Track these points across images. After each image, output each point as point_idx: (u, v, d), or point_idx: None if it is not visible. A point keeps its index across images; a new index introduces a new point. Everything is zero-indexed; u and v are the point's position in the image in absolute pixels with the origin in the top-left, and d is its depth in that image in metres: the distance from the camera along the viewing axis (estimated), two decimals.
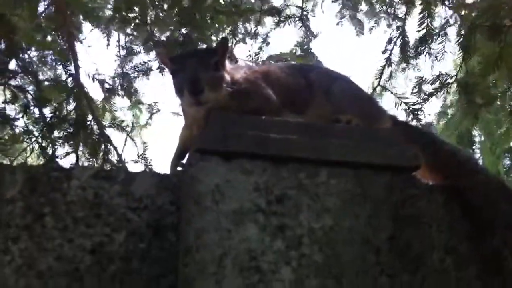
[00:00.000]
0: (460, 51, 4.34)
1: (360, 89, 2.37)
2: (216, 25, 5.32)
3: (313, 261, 1.70)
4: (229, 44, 2.21)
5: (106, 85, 5.54)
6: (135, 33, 5.69)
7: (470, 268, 1.97)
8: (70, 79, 5.18)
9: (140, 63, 5.56)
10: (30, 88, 5.19)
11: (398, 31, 4.93)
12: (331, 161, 1.82)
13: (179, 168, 2.11)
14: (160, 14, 5.35)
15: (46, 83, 5.31)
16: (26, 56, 5.38)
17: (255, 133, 1.80)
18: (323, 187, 1.79)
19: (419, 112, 4.28)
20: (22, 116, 4.96)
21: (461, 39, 4.32)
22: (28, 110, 5.02)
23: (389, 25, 5.74)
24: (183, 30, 5.04)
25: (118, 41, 5.90)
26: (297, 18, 5.00)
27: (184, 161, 2.11)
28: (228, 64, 2.17)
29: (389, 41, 4.90)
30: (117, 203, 1.81)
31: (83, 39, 5.78)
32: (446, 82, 4.44)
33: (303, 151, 1.81)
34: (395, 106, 4.37)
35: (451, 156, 2.12)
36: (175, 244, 1.80)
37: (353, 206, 1.79)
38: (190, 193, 1.71)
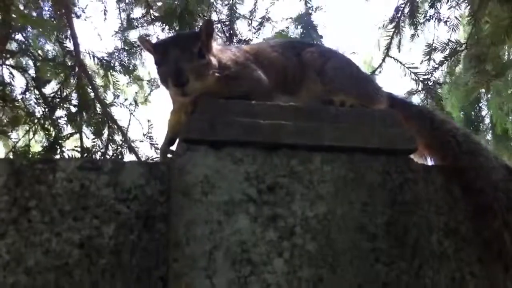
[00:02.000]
0: (471, 17, 4.17)
1: (355, 67, 2.27)
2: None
3: (306, 251, 1.66)
4: (213, 26, 2.07)
5: (105, 62, 5.39)
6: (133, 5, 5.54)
7: (470, 250, 1.93)
8: (69, 56, 5.07)
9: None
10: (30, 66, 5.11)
11: None
12: (324, 146, 1.76)
13: (169, 156, 2.05)
14: None
15: (44, 62, 5.18)
16: (24, 35, 5.28)
17: (244, 119, 1.73)
18: (317, 174, 1.73)
19: (429, 82, 4.13)
20: (22, 98, 4.86)
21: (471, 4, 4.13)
22: (28, 90, 4.92)
23: None
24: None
25: (119, 8, 5.72)
26: None
27: (174, 147, 2.04)
28: (215, 46, 2.08)
29: (397, 9, 4.71)
30: (105, 194, 1.76)
31: (80, 15, 5.61)
32: (456, 50, 4.28)
33: (295, 137, 1.74)
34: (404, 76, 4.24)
35: (451, 136, 2.04)
36: (166, 235, 1.75)
37: (347, 192, 1.74)
38: (178, 185, 1.65)
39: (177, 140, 1.94)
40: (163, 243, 1.74)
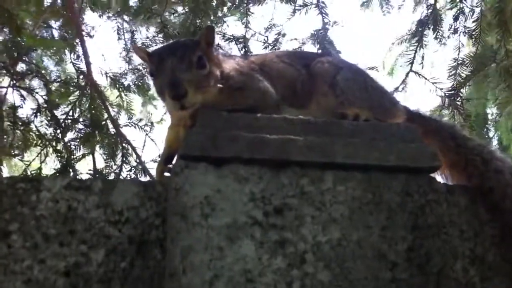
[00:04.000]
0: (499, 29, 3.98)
1: (369, 78, 2.10)
2: (226, 12, 5.03)
3: (318, 281, 1.47)
4: (215, 33, 1.89)
5: (118, 81, 5.24)
6: (146, 24, 5.43)
7: (498, 280, 1.76)
8: (81, 76, 4.94)
9: None
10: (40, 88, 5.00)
11: (429, 10, 4.54)
12: (337, 163, 1.59)
13: (166, 174, 1.88)
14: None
15: (55, 84, 5.06)
16: (34, 55, 5.18)
17: (249, 134, 1.57)
18: (329, 195, 1.56)
19: (455, 98, 3.93)
20: (33, 120, 4.72)
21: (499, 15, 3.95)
22: (39, 112, 4.78)
23: (417, 3, 5.36)
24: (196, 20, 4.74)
25: (129, 32, 5.62)
26: (313, 5, 4.66)
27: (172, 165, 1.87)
28: (216, 56, 1.92)
29: (420, 22, 4.54)
30: (95, 216, 1.60)
31: (94, 34, 5.50)
32: (484, 63, 4.09)
33: (305, 154, 1.57)
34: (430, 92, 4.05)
35: (476, 154, 1.87)
36: (162, 262, 1.58)
37: (364, 215, 1.56)
38: (176, 206, 1.48)
39: (175, 157, 1.77)
40: (159, 272, 1.57)
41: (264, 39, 4.70)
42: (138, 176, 4.73)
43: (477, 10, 4.36)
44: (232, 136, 1.55)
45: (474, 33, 4.36)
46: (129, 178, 4.43)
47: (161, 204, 1.63)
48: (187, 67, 1.74)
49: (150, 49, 2.06)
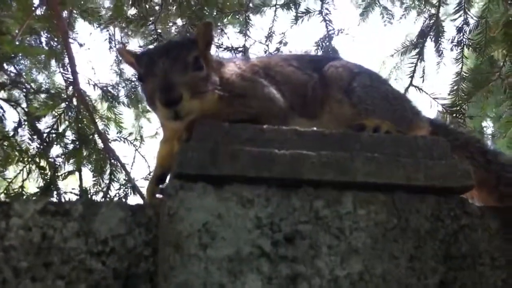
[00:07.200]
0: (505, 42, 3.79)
1: (388, 85, 1.89)
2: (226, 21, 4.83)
3: None
4: (213, 30, 1.66)
5: (109, 93, 4.95)
6: (137, 32, 5.21)
7: None
8: (66, 87, 4.68)
9: None
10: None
11: (431, 20, 4.35)
12: (357, 183, 1.37)
13: (158, 196, 1.65)
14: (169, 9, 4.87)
15: (38, 95, 4.77)
16: (16, 65, 4.95)
17: (254, 149, 1.36)
18: (348, 220, 1.34)
19: (458, 114, 3.73)
20: (13, 135, 4.45)
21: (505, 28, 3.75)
22: (20, 126, 4.51)
23: (419, 13, 5.17)
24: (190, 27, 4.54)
25: (119, 41, 5.39)
26: (316, 12, 4.47)
27: (165, 185, 1.64)
28: (215, 58, 1.69)
29: (421, 33, 4.34)
30: (74, 246, 1.37)
31: (84, 43, 5.27)
32: (488, 79, 3.89)
33: (319, 172, 1.36)
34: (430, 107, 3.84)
35: (508, 171, 1.65)
36: None
37: (388, 244, 1.34)
38: (168, 235, 1.25)
39: (169, 176, 1.55)
40: None
41: (265, 49, 4.49)
42: (128, 195, 4.48)
43: (482, 21, 4.17)
44: (234, 151, 1.33)
45: (478, 46, 4.16)
46: (115, 201, 4.16)
47: (151, 232, 1.41)
48: (182, 69, 1.52)
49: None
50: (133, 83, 5.24)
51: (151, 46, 4.40)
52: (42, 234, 1.36)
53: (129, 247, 1.39)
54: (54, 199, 4.18)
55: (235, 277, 1.24)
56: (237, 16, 4.65)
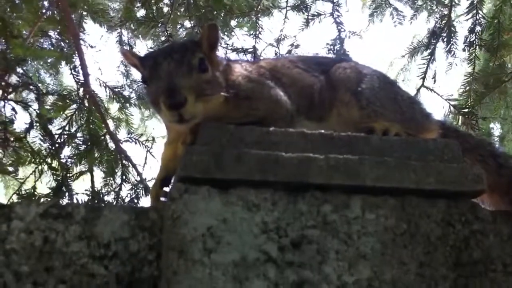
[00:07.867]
0: None
1: (397, 87, 1.86)
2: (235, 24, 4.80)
3: None
4: (218, 32, 1.62)
5: (120, 94, 4.95)
6: (147, 34, 5.19)
7: None
8: (81, 89, 4.67)
9: None
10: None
11: (443, 21, 4.28)
12: (366, 187, 1.34)
13: (162, 199, 1.62)
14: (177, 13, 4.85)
15: (50, 96, 4.77)
16: (30, 67, 4.95)
17: (260, 152, 1.33)
18: (357, 225, 1.31)
19: (470, 115, 3.65)
20: (25, 136, 4.44)
21: None
22: (32, 127, 4.51)
23: (431, 13, 5.09)
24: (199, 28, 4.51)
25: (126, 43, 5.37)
26: (327, 14, 4.40)
27: (169, 188, 1.61)
28: (220, 59, 1.66)
29: (432, 34, 4.28)
30: (76, 250, 1.35)
31: (95, 45, 5.25)
32: (501, 79, 3.82)
33: (327, 175, 1.33)
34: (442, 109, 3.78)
35: None
36: None
37: (398, 249, 1.31)
38: (172, 240, 1.23)
39: (173, 179, 1.52)
40: None
41: (276, 51, 4.44)
42: (140, 195, 4.46)
43: (494, 22, 4.10)
44: (240, 154, 1.31)
45: (490, 46, 4.09)
46: (118, 204, 4.14)
47: (155, 236, 1.38)
48: (187, 71, 1.49)
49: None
50: (140, 84, 5.23)
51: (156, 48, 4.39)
52: (43, 238, 1.34)
53: (132, 251, 1.36)
54: (66, 200, 4.19)
55: (240, 283, 1.21)
56: (246, 18, 4.61)
